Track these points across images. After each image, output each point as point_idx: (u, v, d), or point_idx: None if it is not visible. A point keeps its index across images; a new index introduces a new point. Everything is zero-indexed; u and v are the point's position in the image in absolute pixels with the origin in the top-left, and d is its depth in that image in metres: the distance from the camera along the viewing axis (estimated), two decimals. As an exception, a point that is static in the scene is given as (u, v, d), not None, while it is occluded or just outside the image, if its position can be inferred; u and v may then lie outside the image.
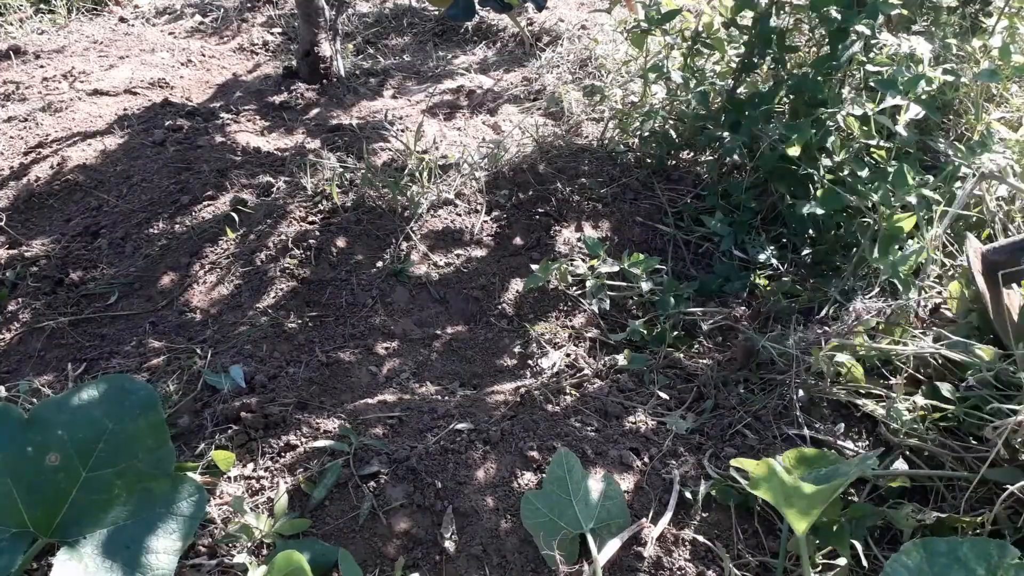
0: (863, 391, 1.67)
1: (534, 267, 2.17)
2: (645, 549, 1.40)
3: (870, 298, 1.82)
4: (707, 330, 2.02)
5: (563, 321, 2.12)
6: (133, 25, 4.49)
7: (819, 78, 2.14)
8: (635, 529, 1.42)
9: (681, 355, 1.95)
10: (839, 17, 2.04)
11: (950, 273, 1.93)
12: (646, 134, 2.69)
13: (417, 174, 2.56)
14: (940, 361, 1.65)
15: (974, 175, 1.86)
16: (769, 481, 1.33)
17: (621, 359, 1.92)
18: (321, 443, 1.59)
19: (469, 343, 2.10)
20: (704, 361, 1.92)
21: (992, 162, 1.85)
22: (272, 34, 4.35)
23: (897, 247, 1.81)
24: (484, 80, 3.66)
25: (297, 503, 1.49)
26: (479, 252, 2.36)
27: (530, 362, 1.99)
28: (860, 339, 1.68)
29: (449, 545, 1.40)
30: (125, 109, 3.27)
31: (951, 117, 2.43)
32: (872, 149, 2.06)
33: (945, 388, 1.57)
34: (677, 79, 2.49)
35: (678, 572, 1.38)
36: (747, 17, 2.36)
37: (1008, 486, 1.33)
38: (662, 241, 2.37)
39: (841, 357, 1.65)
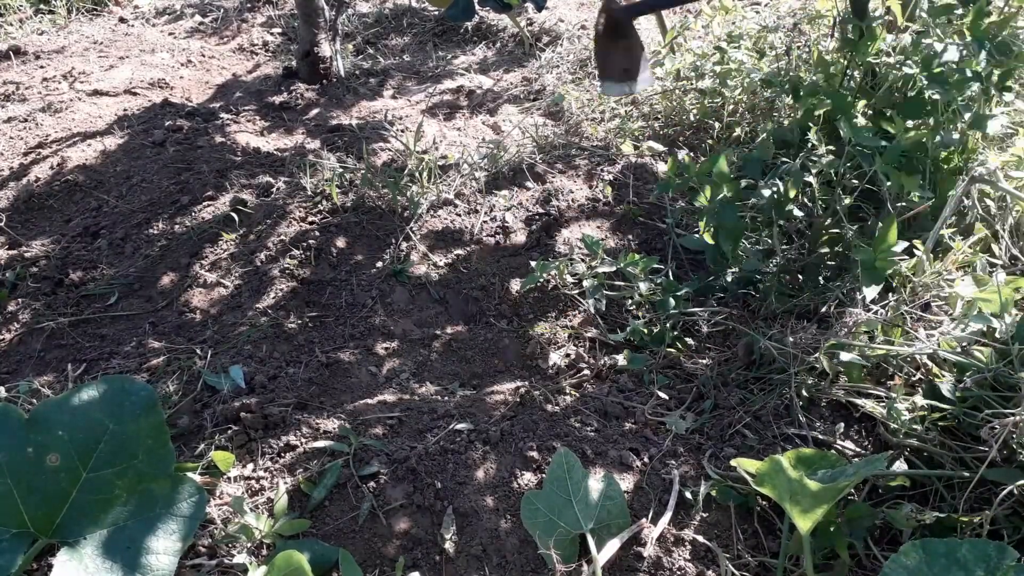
0: (863, 391, 1.68)
1: (533, 264, 2.17)
2: (645, 549, 1.40)
3: (869, 301, 1.81)
4: (706, 331, 2.02)
5: (563, 321, 2.12)
6: (133, 25, 4.49)
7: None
8: (635, 529, 1.42)
9: (680, 355, 1.95)
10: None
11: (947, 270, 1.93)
12: (647, 135, 2.69)
13: (417, 174, 2.56)
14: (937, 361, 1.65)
15: (963, 179, 1.86)
16: (774, 478, 1.33)
17: (621, 359, 1.92)
18: (321, 443, 1.59)
19: (469, 343, 2.10)
20: (704, 361, 1.92)
21: (982, 165, 1.85)
22: (272, 34, 4.36)
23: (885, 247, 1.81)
24: (484, 80, 3.66)
25: (297, 503, 1.49)
26: (479, 252, 2.36)
27: (530, 362, 1.99)
28: (859, 340, 1.68)
29: (449, 545, 1.40)
30: (125, 109, 3.27)
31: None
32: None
33: (944, 388, 1.57)
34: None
35: (678, 572, 1.38)
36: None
37: (1007, 486, 1.33)
38: (662, 241, 2.37)
39: (845, 356, 1.65)
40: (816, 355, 1.70)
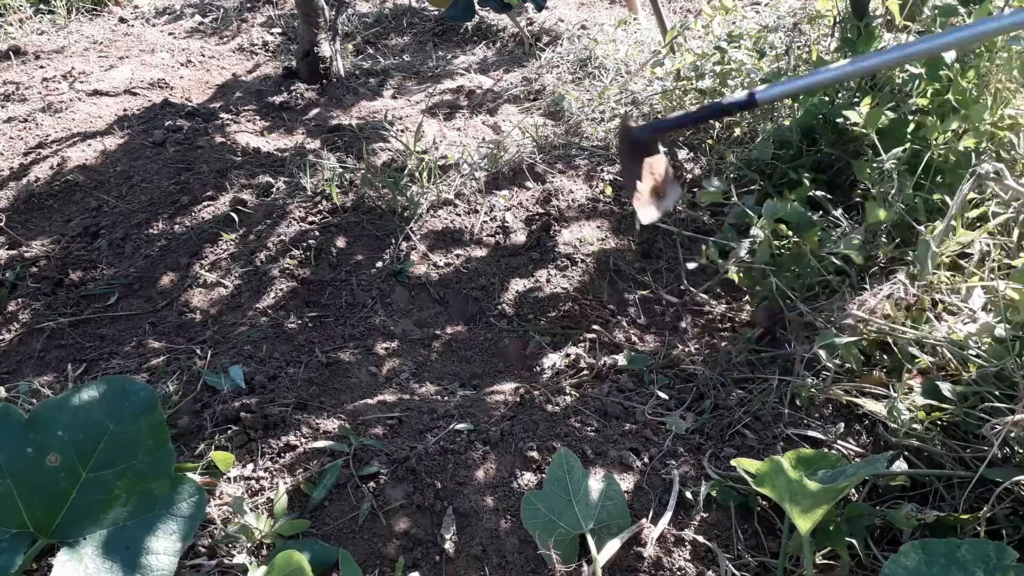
0: (863, 391, 1.68)
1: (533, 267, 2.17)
2: (645, 549, 1.40)
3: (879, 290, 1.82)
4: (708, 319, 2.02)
5: (563, 321, 2.12)
6: (133, 25, 4.49)
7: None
8: (635, 529, 1.42)
9: (680, 355, 1.95)
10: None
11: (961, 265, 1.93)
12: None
13: (417, 174, 2.56)
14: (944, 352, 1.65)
15: (969, 177, 1.86)
16: (774, 478, 1.33)
17: (621, 359, 1.92)
18: (321, 443, 1.59)
19: (469, 343, 2.10)
20: (702, 360, 1.92)
21: (989, 163, 1.85)
22: (272, 34, 4.35)
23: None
24: (484, 80, 3.66)
25: (297, 503, 1.49)
26: (479, 252, 2.36)
27: (530, 362, 1.99)
28: (864, 326, 1.67)
29: (449, 545, 1.40)
30: (125, 109, 3.27)
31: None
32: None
33: (945, 388, 1.57)
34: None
35: (678, 572, 1.38)
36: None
37: (1008, 485, 1.33)
38: (663, 240, 2.37)
39: (844, 341, 1.64)
40: (823, 338, 1.69)
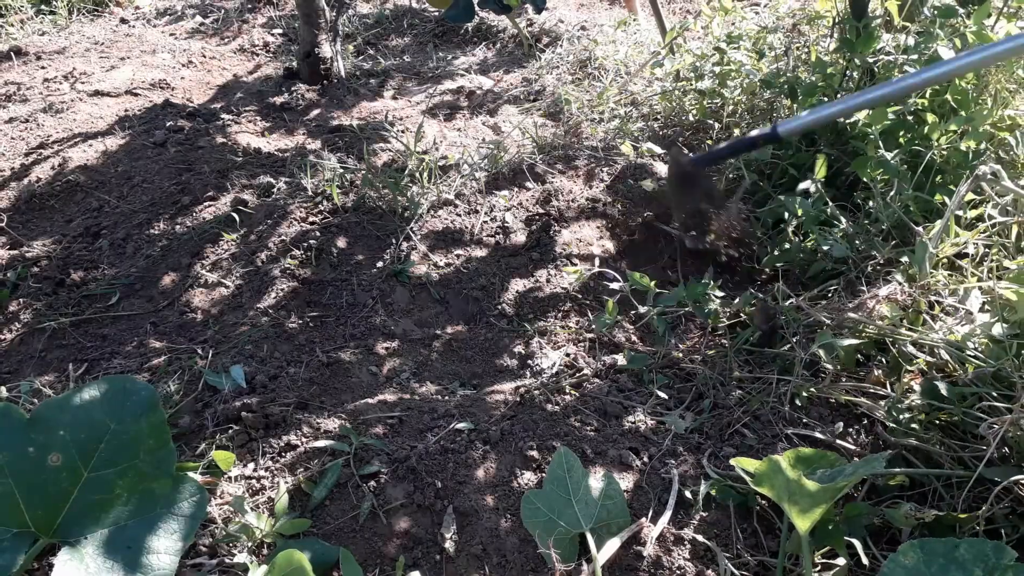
0: (863, 390, 1.68)
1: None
2: (645, 548, 1.40)
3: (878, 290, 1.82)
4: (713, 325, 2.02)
5: (563, 321, 2.13)
6: (134, 26, 4.50)
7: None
8: (635, 529, 1.43)
9: (680, 354, 1.95)
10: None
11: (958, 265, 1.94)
12: (646, 135, 2.70)
13: (417, 175, 2.56)
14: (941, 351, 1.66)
15: (967, 178, 1.86)
16: (773, 477, 1.34)
17: (620, 359, 1.92)
18: (321, 443, 1.59)
19: (469, 343, 2.10)
20: (701, 356, 1.93)
21: (986, 164, 1.86)
22: (273, 35, 4.36)
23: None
24: (484, 81, 3.66)
25: (298, 503, 1.50)
26: (479, 252, 2.37)
27: (530, 362, 1.99)
28: (862, 327, 1.68)
29: (449, 545, 1.41)
30: (126, 110, 3.28)
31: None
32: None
33: (943, 388, 1.57)
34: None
35: (677, 571, 1.38)
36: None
37: (1006, 485, 1.33)
38: (663, 240, 2.38)
39: (844, 342, 1.65)
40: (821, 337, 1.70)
